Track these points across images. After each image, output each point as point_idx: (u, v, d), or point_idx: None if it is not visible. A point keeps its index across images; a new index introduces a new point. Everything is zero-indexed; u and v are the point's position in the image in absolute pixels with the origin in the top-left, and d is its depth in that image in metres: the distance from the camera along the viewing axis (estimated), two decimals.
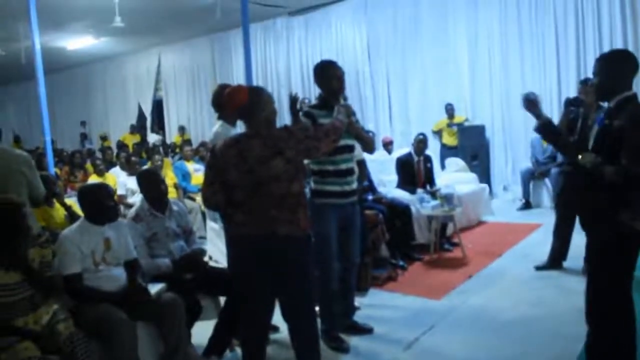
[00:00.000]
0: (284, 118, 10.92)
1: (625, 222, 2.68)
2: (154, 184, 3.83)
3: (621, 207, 2.70)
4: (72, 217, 4.72)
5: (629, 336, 2.82)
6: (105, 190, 3.41)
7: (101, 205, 3.31)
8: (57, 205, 4.98)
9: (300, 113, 3.76)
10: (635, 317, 2.82)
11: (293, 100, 3.57)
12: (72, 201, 4.88)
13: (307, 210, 3.04)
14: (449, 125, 10.11)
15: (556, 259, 5.27)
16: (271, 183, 2.85)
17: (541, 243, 5.87)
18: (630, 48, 8.14)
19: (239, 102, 2.99)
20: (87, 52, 14.45)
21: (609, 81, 2.82)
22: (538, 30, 9.15)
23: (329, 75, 3.75)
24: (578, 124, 4.21)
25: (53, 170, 7.07)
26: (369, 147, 4.11)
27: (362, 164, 4.13)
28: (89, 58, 15.51)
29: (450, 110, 10.07)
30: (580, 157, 2.88)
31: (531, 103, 3.14)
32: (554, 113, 8.10)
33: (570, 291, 4.36)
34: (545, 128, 3.15)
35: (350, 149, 3.80)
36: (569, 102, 5.33)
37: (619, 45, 8.20)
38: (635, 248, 2.78)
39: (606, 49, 8.28)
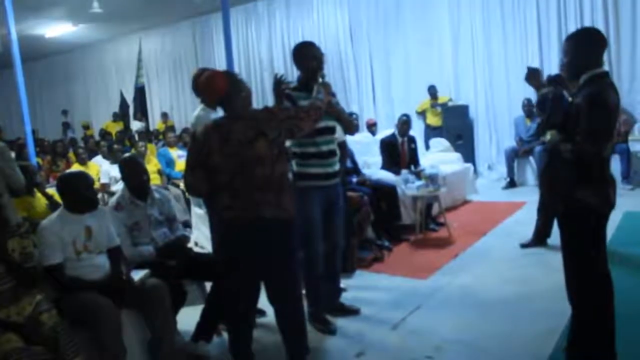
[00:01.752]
0: (267, 100, 10.86)
1: (583, 199, 2.74)
2: (135, 172, 3.78)
3: (579, 184, 2.75)
4: (53, 206, 4.67)
5: (606, 311, 2.85)
6: (83, 179, 3.35)
7: (80, 194, 3.25)
8: (39, 195, 4.94)
9: None
10: (612, 291, 2.85)
11: (278, 81, 3.53)
12: (54, 191, 4.82)
13: (292, 192, 3.03)
14: (433, 106, 10.12)
15: (541, 236, 5.30)
16: (255, 165, 2.83)
17: (526, 221, 5.90)
18: (611, 25, 8.24)
19: (218, 88, 2.95)
20: (66, 40, 14.25)
21: (577, 59, 2.85)
22: (520, 9, 9.19)
23: (307, 55, 3.71)
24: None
25: (35, 160, 7.00)
26: (350, 129, 4.09)
27: (343, 145, 4.11)
28: (69, 45, 15.30)
29: (433, 93, 10.07)
30: (548, 133, 2.92)
31: (534, 75, 3.19)
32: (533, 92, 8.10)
33: (555, 268, 4.33)
34: (544, 100, 3.17)
35: (331, 130, 3.77)
36: (552, 80, 5.33)
37: (600, 22, 8.25)
38: (599, 223, 2.82)
39: (588, 24, 8.33)
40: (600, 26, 8.23)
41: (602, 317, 2.85)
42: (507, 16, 9.31)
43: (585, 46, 2.84)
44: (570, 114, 2.79)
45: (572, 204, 2.79)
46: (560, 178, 2.85)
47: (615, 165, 7.54)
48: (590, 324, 2.86)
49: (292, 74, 3.77)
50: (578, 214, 2.79)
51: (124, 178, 3.84)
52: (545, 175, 3.08)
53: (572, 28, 8.44)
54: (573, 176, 2.77)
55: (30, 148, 7.00)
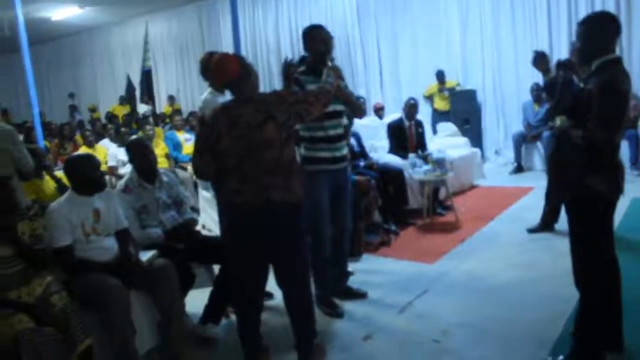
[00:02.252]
0: (274, 84, 10.82)
1: (592, 186, 2.72)
2: (143, 155, 3.78)
3: (589, 171, 2.73)
4: (62, 189, 4.70)
5: (613, 297, 2.86)
6: (91, 161, 3.35)
7: (87, 177, 3.26)
8: (47, 178, 4.96)
9: None
10: (620, 277, 2.85)
11: (288, 65, 3.50)
12: (62, 174, 4.84)
13: (301, 176, 3.03)
14: (441, 91, 10.07)
15: (548, 222, 5.29)
16: (264, 149, 2.83)
17: (533, 206, 5.89)
18: (623, 9, 8.13)
19: (231, 72, 2.93)
20: (72, 23, 14.21)
21: (590, 45, 2.80)
22: None
23: (316, 38, 3.69)
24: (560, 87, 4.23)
25: (43, 143, 7.02)
26: (358, 113, 4.09)
27: (346, 129, 4.10)
28: (75, 29, 15.26)
29: (441, 78, 10.02)
30: (557, 118, 2.90)
31: (541, 59, 3.16)
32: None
33: (562, 253, 4.33)
34: (552, 84, 3.15)
35: (340, 115, 3.76)
36: (561, 65, 5.29)
37: (611, 6, 8.15)
38: (607, 210, 2.81)
39: (599, 10, 8.23)
40: (611, 10, 8.15)
41: (609, 303, 2.85)
42: (516, 0, 9.22)
43: (599, 31, 2.79)
44: (582, 100, 2.76)
45: (581, 190, 2.78)
46: (570, 164, 2.83)
47: (624, 151, 7.47)
48: (597, 310, 2.86)
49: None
50: (587, 200, 2.77)
51: (131, 160, 3.85)
52: (553, 161, 3.06)
53: (582, 12, 8.35)
54: (583, 163, 2.75)
55: (38, 131, 7.02)
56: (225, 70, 2.97)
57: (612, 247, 2.88)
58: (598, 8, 8.29)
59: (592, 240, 2.83)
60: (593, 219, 2.81)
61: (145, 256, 3.39)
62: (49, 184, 4.93)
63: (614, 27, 2.81)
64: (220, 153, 2.87)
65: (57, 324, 2.78)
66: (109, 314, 2.95)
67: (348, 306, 3.95)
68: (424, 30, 10.33)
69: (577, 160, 2.77)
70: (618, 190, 2.79)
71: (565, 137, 2.83)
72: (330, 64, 3.54)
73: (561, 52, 8.35)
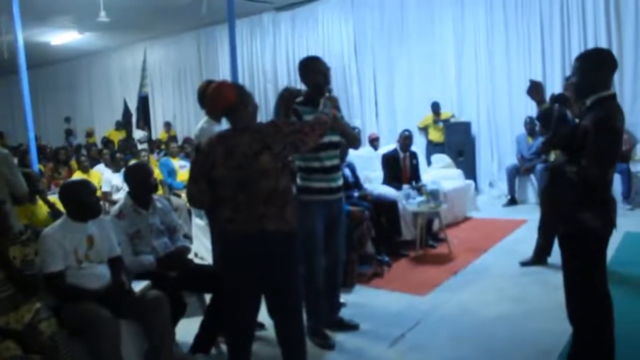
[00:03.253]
0: (270, 113, 10.84)
1: (585, 221, 2.74)
2: (144, 177, 3.77)
3: (581, 206, 2.76)
4: (55, 214, 4.68)
5: (606, 331, 2.85)
6: (86, 187, 3.35)
7: (83, 202, 3.26)
8: (40, 202, 4.94)
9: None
10: (612, 312, 2.85)
11: (289, 94, 3.50)
12: (55, 198, 4.83)
13: (295, 206, 3.03)
14: (435, 122, 10.14)
15: (541, 255, 5.30)
16: (259, 179, 2.83)
17: (526, 239, 5.90)
18: (614, 45, 8.26)
19: (227, 100, 2.95)
20: (71, 47, 14.33)
21: (586, 81, 2.84)
22: (524, 26, 9.24)
23: (313, 70, 3.73)
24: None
25: (37, 167, 7.00)
26: (354, 143, 4.11)
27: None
28: (74, 53, 15.37)
29: (436, 109, 10.10)
30: (553, 153, 2.93)
31: (536, 88, 3.17)
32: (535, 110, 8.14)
33: (554, 287, 4.35)
34: (546, 115, 3.17)
35: (335, 145, 3.78)
36: (554, 99, 5.35)
37: (603, 41, 8.29)
38: (600, 245, 2.82)
39: (591, 46, 8.37)
40: (603, 45, 8.28)
41: (602, 338, 2.85)
42: (510, 34, 9.37)
43: (595, 67, 2.83)
44: (577, 135, 2.78)
45: (574, 225, 2.80)
46: (563, 199, 2.86)
47: (617, 185, 7.55)
48: (590, 344, 2.85)
49: (296, 87, 3.77)
50: (579, 235, 2.79)
51: (130, 185, 3.83)
52: (547, 195, 3.09)
53: (575, 47, 8.50)
54: (575, 198, 2.77)
55: (33, 155, 7.01)
56: (221, 98, 2.99)
57: (605, 281, 2.88)
58: (590, 42, 8.45)
59: (585, 275, 2.84)
60: (586, 253, 2.82)
61: (138, 286, 3.37)
62: (42, 209, 4.91)
63: (611, 63, 2.85)
64: (215, 181, 2.87)
65: (45, 351, 2.75)
66: (97, 344, 2.92)
67: (339, 337, 3.92)
68: (419, 62, 10.45)
69: (570, 195, 2.79)
70: (611, 225, 2.81)
71: (559, 171, 2.85)
72: (328, 93, 3.56)
73: (554, 85, 8.47)
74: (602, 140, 2.67)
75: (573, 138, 2.82)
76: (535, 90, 3.19)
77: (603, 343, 2.85)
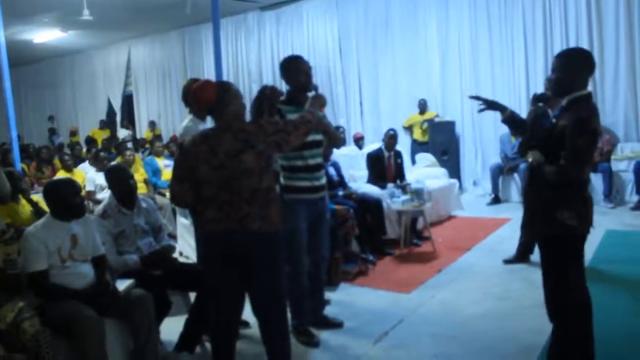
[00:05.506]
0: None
1: (563, 220, 2.77)
2: (123, 180, 3.78)
3: (559, 205, 2.78)
4: (38, 213, 4.64)
5: (585, 329, 2.89)
6: (71, 186, 3.34)
7: (67, 201, 3.25)
8: (23, 201, 4.89)
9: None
10: (591, 310, 2.89)
11: (272, 93, 3.50)
12: (38, 197, 4.80)
13: (279, 205, 3.04)
14: (421, 125, 10.15)
15: (524, 252, 5.35)
16: (242, 178, 2.83)
17: (509, 237, 5.96)
18: (596, 45, 8.38)
19: (206, 98, 2.95)
20: (54, 46, 14.22)
21: (564, 79, 2.86)
22: (507, 27, 9.34)
23: (296, 69, 3.75)
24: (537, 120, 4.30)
25: (20, 166, 6.95)
26: (337, 142, 4.12)
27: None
28: (57, 51, 15.26)
29: (422, 106, 10.15)
30: (529, 153, 2.96)
31: (488, 103, 3.24)
32: (522, 109, 8.25)
33: (536, 284, 4.36)
34: (510, 120, 3.23)
35: (318, 144, 3.79)
36: (536, 98, 5.42)
37: (584, 42, 8.40)
38: (578, 244, 2.86)
39: (573, 45, 8.47)
40: (584, 46, 8.39)
41: (581, 335, 2.88)
42: (494, 34, 9.46)
43: (574, 66, 2.85)
44: (554, 135, 2.81)
45: (551, 224, 2.82)
46: (541, 198, 2.89)
47: (598, 184, 7.66)
48: (569, 341, 2.89)
49: (281, 87, 3.77)
50: (557, 234, 2.82)
51: (110, 186, 3.84)
52: (526, 195, 3.11)
53: (557, 47, 8.59)
54: (553, 197, 2.80)
55: (16, 154, 6.95)
56: (200, 97, 2.99)
57: (584, 279, 2.92)
58: (572, 42, 8.57)
59: (563, 273, 2.87)
60: (564, 252, 2.85)
61: (123, 285, 3.36)
62: (25, 208, 4.86)
63: (589, 63, 2.88)
64: (198, 181, 2.88)
65: (28, 351, 2.74)
66: (82, 343, 2.90)
67: (324, 335, 3.94)
68: (403, 61, 10.51)
69: (548, 194, 2.82)
70: (588, 223, 2.84)
71: (538, 171, 2.88)
72: (314, 91, 3.57)
73: (537, 84, 8.58)
74: (582, 140, 2.70)
75: (550, 138, 2.85)
76: (488, 105, 3.25)
77: (582, 341, 2.88)
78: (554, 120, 2.92)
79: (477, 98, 3.35)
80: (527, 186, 3.07)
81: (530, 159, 2.92)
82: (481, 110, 3.32)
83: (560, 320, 2.92)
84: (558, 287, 2.89)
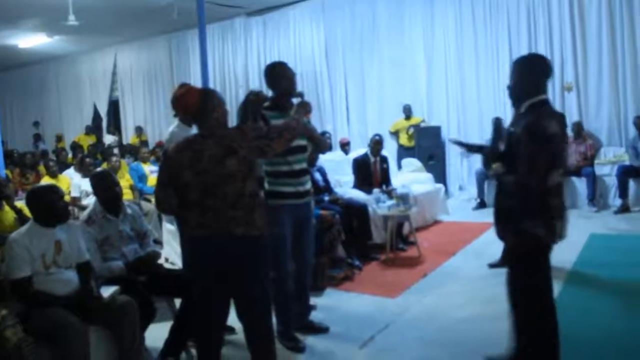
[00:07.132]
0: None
1: (528, 230, 2.71)
2: (108, 187, 3.76)
3: (523, 215, 2.72)
4: (22, 220, 4.61)
5: (551, 340, 2.86)
6: (54, 192, 3.32)
7: (50, 207, 3.23)
8: (7, 208, 4.86)
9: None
10: (556, 320, 2.87)
11: (262, 97, 3.51)
12: (22, 204, 4.76)
13: (263, 210, 3.05)
14: (407, 130, 10.19)
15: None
16: (226, 183, 2.84)
17: (495, 241, 5.81)
18: (579, 50, 8.49)
19: (189, 105, 2.97)
20: (40, 51, 14.13)
21: (520, 84, 2.84)
22: (492, 33, 9.43)
23: (280, 75, 3.77)
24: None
25: (3, 172, 6.89)
26: (322, 148, 4.14)
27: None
28: (43, 57, 15.17)
29: (407, 111, 10.19)
30: (493, 165, 2.95)
31: (469, 147, 3.29)
32: (507, 114, 8.30)
33: None
34: (471, 150, 3.27)
35: (303, 149, 3.81)
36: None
37: (568, 48, 8.50)
38: (543, 254, 2.83)
39: (557, 52, 8.57)
40: (568, 52, 8.53)
41: (547, 346, 2.85)
42: (479, 40, 9.55)
43: (528, 72, 2.82)
44: (511, 144, 2.77)
45: (516, 234, 2.77)
46: (506, 209, 2.85)
47: (582, 188, 7.73)
48: (535, 353, 2.87)
49: (268, 92, 3.80)
50: (523, 244, 2.76)
51: (95, 193, 3.83)
52: (495, 205, 3.06)
53: (541, 52, 8.61)
54: (517, 207, 2.74)
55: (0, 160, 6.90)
56: (183, 103, 3.01)
57: (550, 290, 2.89)
58: (556, 48, 8.67)
59: (530, 284, 2.84)
60: (530, 262, 2.82)
61: (107, 291, 3.35)
62: (9, 214, 4.83)
63: (545, 68, 2.84)
64: (183, 186, 2.88)
65: (11, 358, 2.72)
66: (66, 351, 2.89)
67: (309, 340, 3.94)
68: (389, 67, 10.57)
69: (511, 204, 2.78)
70: (554, 233, 2.76)
71: (501, 182, 2.88)
72: (300, 98, 3.58)
73: None
74: (533, 146, 2.64)
75: (508, 147, 2.81)
76: (469, 149, 3.31)
77: (548, 351, 2.85)
78: (511, 129, 2.87)
79: (459, 143, 3.37)
80: (495, 196, 3.03)
81: (491, 172, 2.90)
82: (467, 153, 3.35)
83: (526, 332, 2.90)
84: (524, 298, 2.87)
